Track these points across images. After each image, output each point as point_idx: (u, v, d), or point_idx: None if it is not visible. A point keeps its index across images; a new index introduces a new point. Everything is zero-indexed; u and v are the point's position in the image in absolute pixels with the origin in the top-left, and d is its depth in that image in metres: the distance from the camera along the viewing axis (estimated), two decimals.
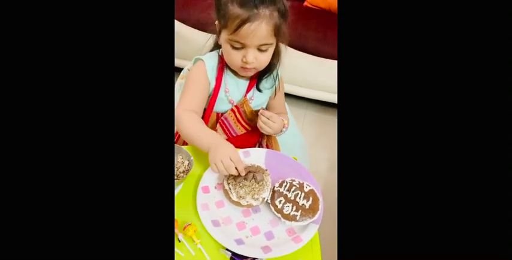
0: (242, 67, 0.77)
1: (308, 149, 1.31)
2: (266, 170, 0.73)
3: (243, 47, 0.73)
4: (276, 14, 0.70)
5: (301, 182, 0.71)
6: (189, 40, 1.69)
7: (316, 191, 0.70)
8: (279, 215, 0.66)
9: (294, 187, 0.70)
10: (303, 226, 0.67)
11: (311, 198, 0.68)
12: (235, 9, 0.68)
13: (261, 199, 0.67)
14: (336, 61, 1.66)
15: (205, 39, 0.86)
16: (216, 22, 0.76)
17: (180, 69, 1.00)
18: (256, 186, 0.68)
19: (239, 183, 0.68)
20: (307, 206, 0.67)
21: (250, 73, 0.82)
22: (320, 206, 0.68)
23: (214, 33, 0.81)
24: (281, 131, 0.89)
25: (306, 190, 0.70)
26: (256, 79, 0.87)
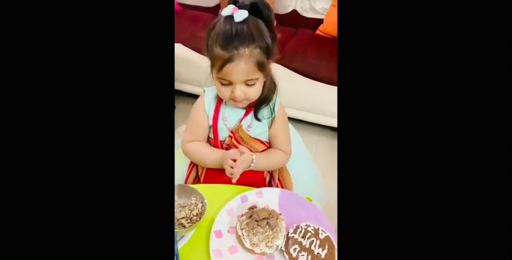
0: (232, 99, 0.80)
1: (322, 178, 1.28)
2: (280, 214, 0.71)
3: (230, 83, 0.76)
4: (256, 51, 0.73)
5: (316, 227, 0.70)
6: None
7: (331, 237, 0.68)
8: None
9: (309, 234, 0.68)
10: None
11: (327, 246, 0.66)
12: (218, 51, 0.73)
13: (275, 247, 0.66)
14: None
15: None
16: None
17: (185, 94, 0.97)
18: (271, 233, 0.66)
19: (252, 229, 0.67)
20: (322, 256, 0.65)
21: (242, 105, 0.84)
22: (336, 255, 0.66)
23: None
24: (249, 166, 0.86)
25: (321, 237, 0.68)
26: (254, 108, 0.89)
